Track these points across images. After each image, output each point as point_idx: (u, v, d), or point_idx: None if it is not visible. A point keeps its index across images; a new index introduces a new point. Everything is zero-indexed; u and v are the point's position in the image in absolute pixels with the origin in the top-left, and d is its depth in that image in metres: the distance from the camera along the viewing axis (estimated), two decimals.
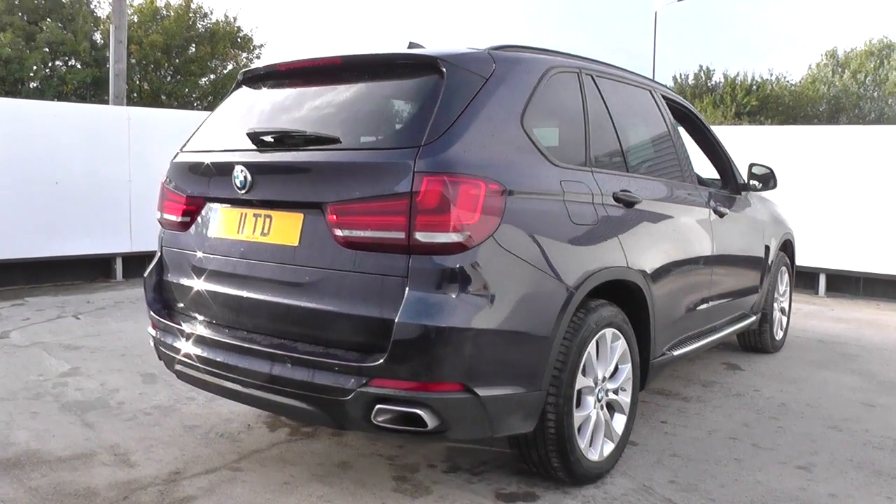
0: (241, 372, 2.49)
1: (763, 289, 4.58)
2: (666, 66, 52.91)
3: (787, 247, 5.08)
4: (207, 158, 2.79)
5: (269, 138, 2.55)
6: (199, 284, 2.76)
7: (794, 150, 7.43)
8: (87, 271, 7.23)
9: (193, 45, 25.62)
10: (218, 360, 2.57)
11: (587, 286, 2.59)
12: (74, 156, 6.94)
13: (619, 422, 2.91)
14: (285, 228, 2.48)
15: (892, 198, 7.03)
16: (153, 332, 2.96)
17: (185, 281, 2.84)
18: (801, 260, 6.58)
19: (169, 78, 25.46)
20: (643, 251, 2.99)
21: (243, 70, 3.08)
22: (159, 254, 3.03)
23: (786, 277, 5.13)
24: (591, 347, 2.65)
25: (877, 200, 7.11)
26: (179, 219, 2.86)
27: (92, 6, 24.42)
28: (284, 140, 2.53)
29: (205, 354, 2.63)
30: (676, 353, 3.42)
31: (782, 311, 5.10)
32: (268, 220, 2.54)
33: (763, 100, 31.34)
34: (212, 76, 26.52)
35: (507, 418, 2.38)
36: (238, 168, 2.54)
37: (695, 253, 3.57)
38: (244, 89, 3.04)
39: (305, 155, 2.48)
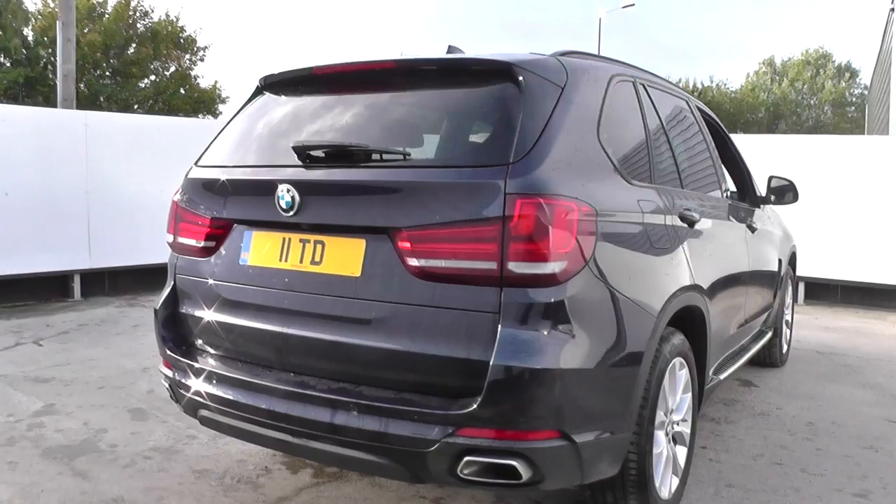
0: (293, 420, 2.18)
1: (776, 303, 4.52)
2: None
3: (792, 259, 5.06)
4: (235, 175, 2.48)
5: (319, 153, 2.25)
6: (228, 319, 2.43)
7: (772, 159, 7.51)
8: (42, 290, 6.64)
9: (133, 45, 24.57)
10: (260, 406, 2.24)
11: (668, 314, 2.40)
12: (26, 164, 6.36)
13: (682, 454, 2.73)
14: (343, 256, 2.20)
15: (870, 207, 7.19)
16: (168, 371, 2.60)
17: (209, 315, 2.50)
18: None
19: (108, 80, 24.30)
20: (704, 273, 2.83)
21: (265, 75, 2.74)
22: (172, 282, 2.67)
23: (790, 290, 5.11)
24: (666, 380, 2.47)
25: (854, 210, 7.24)
26: (201, 243, 2.51)
27: None
28: (339, 156, 2.23)
29: (241, 399, 2.29)
30: (721, 376, 3.28)
31: (786, 323, 5.07)
32: (319, 246, 2.24)
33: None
34: (153, 78, 25.48)
35: (598, 463, 2.16)
36: (283, 187, 2.23)
37: (739, 270, 3.44)
38: (267, 96, 2.72)
39: (370, 173, 2.20)
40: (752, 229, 3.77)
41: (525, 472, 1.98)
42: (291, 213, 2.24)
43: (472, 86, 2.34)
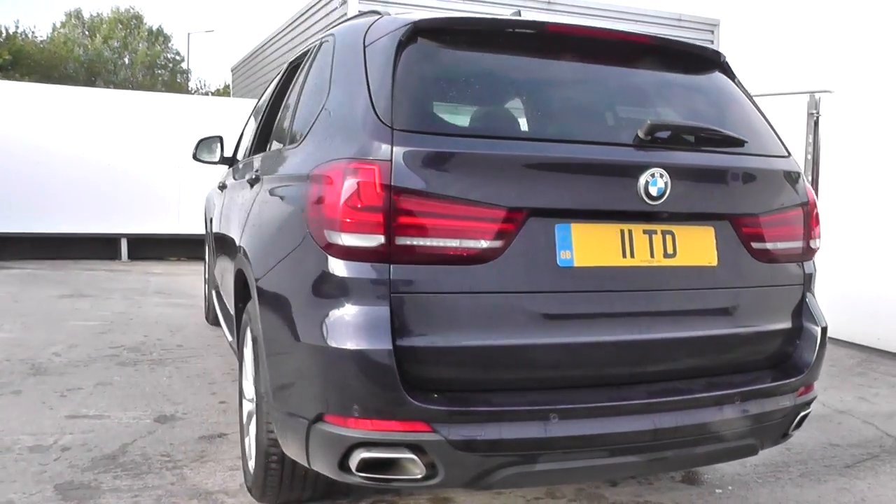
0: (680, 432, 2.00)
1: None
2: None
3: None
4: (528, 150, 1.98)
5: (663, 134, 2.06)
6: (547, 339, 1.92)
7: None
8: None
9: None
10: (635, 430, 1.94)
11: None
12: None
13: None
14: (696, 246, 2.12)
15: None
16: (426, 435, 1.80)
17: (502, 339, 1.88)
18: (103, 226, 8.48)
19: None
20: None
21: (456, 18, 2.18)
22: (386, 305, 1.82)
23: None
24: None
25: None
26: (480, 244, 1.86)
27: None
28: (681, 139, 2.13)
29: (604, 431, 1.91)
30: None
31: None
32: (669, 237, 2.06)
33: (15, 54, 27.99)
34: None
35: None
36: (654, 171, 1.98)
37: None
38: (460, 47, 2.15)
39: (719, 158, 2.18)
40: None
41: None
42: (659, 201, 1.99)
43: (697, 73, 2.44)
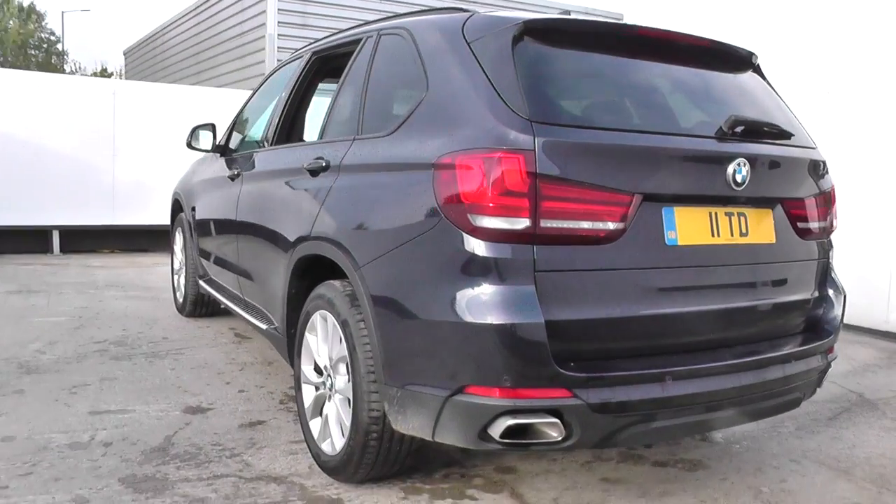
0: (756, 388, 2.31)
1: None
2: None
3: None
4: (642, 141, 2.18)
5: (741, 127, 2.32)
6: (659, 310, 2.17)
7: None
8: None
9: None
10: (728, 387, 2.23)
11: None
12: None
13: None
14: (761, 226, 2.43)
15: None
16: (567, 400, 1.96)
17: (621, 310, 2.09)
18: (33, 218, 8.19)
19: None
20: None
21: (562, 19, 2.37)
22: (532, 283, 1.97)
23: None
24: None
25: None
26: (609, 225, 2.06)
27: None
28: (754, 132, 2.40)
29: (707, 389, 2.19)
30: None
31: None
32: (742, 218, 2.36)
33: None
34: None
35: None
36: (740, 161, 2.26)
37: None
38: (565, 45, 2.33)
39: (780, 150, 2.46)
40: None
41: None
42: (742, 187, 2.28)
43: (736, 71, 2.70)
